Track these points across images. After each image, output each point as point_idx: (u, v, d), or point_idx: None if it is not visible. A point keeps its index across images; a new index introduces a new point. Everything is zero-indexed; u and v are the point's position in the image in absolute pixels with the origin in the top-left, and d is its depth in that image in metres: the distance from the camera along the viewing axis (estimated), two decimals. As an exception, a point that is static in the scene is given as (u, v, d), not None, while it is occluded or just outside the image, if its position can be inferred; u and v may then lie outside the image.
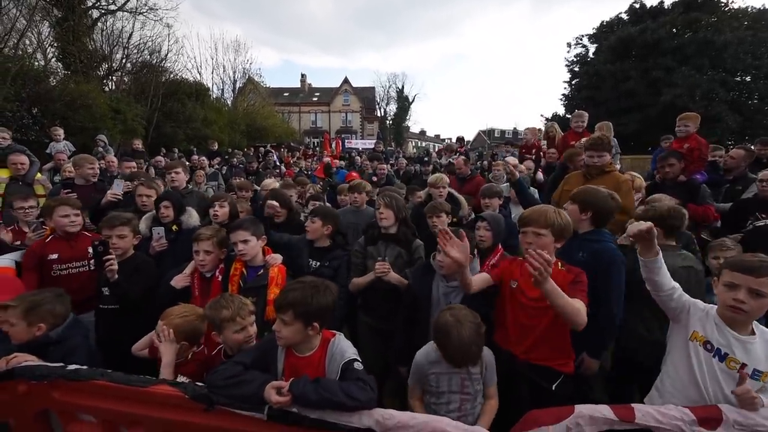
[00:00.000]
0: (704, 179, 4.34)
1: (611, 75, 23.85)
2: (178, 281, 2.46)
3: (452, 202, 3.90)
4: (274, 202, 3.00)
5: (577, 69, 27.82)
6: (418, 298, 2.32)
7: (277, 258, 2.49)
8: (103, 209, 3.44)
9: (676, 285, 1.70)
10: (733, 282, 1.50)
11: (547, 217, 1.93)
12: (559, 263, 1.99)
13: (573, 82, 28.09)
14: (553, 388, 1.91)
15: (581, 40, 27.79)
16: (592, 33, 27.18)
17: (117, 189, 3.55)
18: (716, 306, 1.63)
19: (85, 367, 1.65)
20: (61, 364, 1.67)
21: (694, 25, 22.42)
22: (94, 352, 1.92)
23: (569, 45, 28.40)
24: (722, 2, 22.66)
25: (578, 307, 1.73)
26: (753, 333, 1.53)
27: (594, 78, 25.34)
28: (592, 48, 27.21)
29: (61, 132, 7.40)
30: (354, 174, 6.27)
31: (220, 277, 2.44)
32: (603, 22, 26.68)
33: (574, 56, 28.07)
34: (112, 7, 16.62)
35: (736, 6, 22.61)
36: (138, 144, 8.82)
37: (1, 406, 1.75)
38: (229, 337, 1.85)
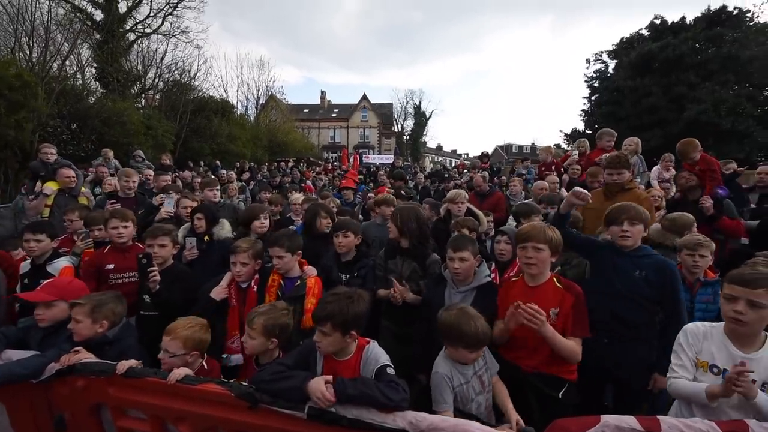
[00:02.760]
0: (726, 194, 4.29)
1: (632, 91, 23.57)
2: (218, 293, 2.53)
3: (472, 217, 3.98)
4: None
5: (596, 85, 27.63)
6: (432, 308, 2.39)
7: (312, 270, 2.63)
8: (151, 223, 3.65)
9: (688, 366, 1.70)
10: (732, 294, 1.56)
11: (545, 233, 2.06)
12: (555, 279, 2.10)
13: (593, 98, 27.87)
14: (560, 395, 1.96)
15: (601, 56, 27.68)
16: (612, 49, 27.06)
17: (169, 206, 3.82)
18: (721, 324, 1.67)
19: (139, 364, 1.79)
20: (117, 362, 1.82)
21: (717, 40, 22.03)
22: (144, 353, 2.06)
23: (588, 61, 28.32)
24: (746, 17, 22.25)
25: (575, 350, 1.95)
26: (762, 346, 1.56)
27: (614, 94, 25.09)
28: (612, 64, 27.04)
29: (111, 154, 7.76)
30: (384, 189, 6.45)
31: (255, 288, 2.56)
32: (623, 38, 26.53)
33: (594, 72, 27.91)
34: (148, 30, 17.75)
35: (761, 20, 22.17)
36: (166, 159, 9.22)
37: (59, 399, 1.92)
38: None
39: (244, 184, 8.30)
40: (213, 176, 7.81)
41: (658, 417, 1.34)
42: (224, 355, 2.35)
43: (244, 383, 1.65)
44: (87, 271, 2.91)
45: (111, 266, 2.91)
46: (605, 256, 2.39)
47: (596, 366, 2.18)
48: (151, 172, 5.81)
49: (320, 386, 1.49)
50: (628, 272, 2.27)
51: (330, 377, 1.53)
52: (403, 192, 6.01)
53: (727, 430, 1.28)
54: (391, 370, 1.64)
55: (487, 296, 2.29)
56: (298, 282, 2.52)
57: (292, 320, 2.07)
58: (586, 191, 2.43)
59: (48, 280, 2.28)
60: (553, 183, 5.54)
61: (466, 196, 4.26)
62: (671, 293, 2.21)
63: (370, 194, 6.16)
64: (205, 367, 2.03)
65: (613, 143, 5.73)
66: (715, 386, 1.52)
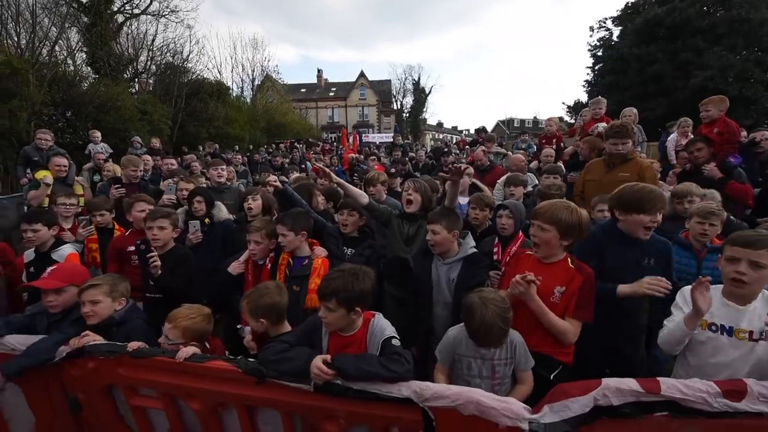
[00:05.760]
0: (738, 162, 4.21)
1: (636, 59, 22.90)
2: (234, 268, 2.68)
3: (476, 191, 3.97)
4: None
5: (600, 54, 26.83)
6: (419, 280, 2.46)
7: (321, 251, 2.66)
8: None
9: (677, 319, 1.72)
10: (734, 256, 1.59)
11: (555, 213, 1.91)
12: (569, 260, 2.00)
13: (596, 68, 27.13)
14: (551, 377, 1.89)
15: (605, 23, 26.74)
16: (616, 15, 26.14)
17: (170, 193, 3.83)
18: (720, 286, 1.70)
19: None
20: (126, 343, 1.86)
21: (726, 2, 21.19)
22: (151, 334, 2.10)
23: (592, 29, 27.39)
24: (758, -24, 21.32)
25: (566, 329, 1.87)
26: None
27: (618, 62, 24.38)
28: (616, 31, 26.13)
29: (98, 134, 7.88)
30: (379, 167, 6.44)
31: (269, 266, 2.63)
32: (628, 3, 25.56)
33: (597, 40, 27.04)
34: (136, 11, 17.21)
35: (773, -20, 21.24)
36: (156, 143, 9.13)
37: (72, 381, 1.97)
38: None
39: (246, 169, 8.25)
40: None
41: (658, 378, 1.37)
42: (239, 326, 2.43)
43: (251, 359, 1.68)
44: (111, 254, 3.13)
45: (132, 248, 3.02)
46: (613, 249, 2.17)
47: (599, 349, 2.18)
48: (149, 158, 5.78)
49: (318, 364, 1.52)
50: (639, 263, 2.14)
51: (328, 356, 1.56)
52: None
53: (725, 388, 1.31)
54: (396, 341, 1.67)
55: (472, 267, 2.34)
56: (306, 261, 2.55)
57: (279, 296, 2.05)
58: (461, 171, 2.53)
59: (53, 267, 2.29)
60: (547, 156, 5.57)
61: (470, 170, 4.22)
62: (670, 269, 2.20)
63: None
64: (208, 347, 2.07)
65: (600, 111, 5.59)
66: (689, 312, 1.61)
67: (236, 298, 2.57)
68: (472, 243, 2.48)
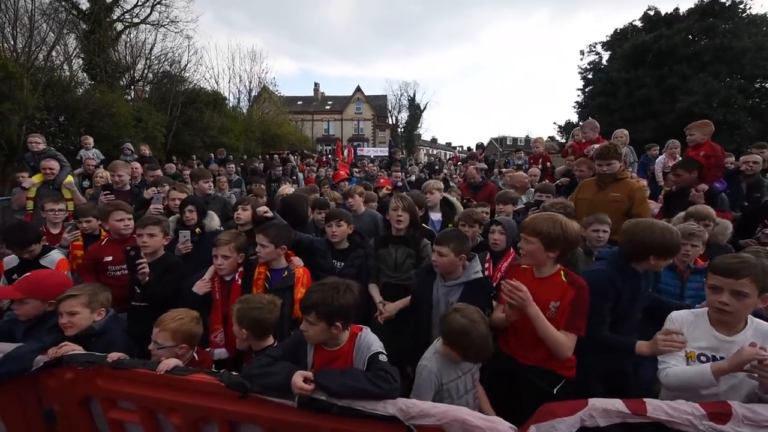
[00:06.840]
0: (723, 188, 4.30)
1: (625, 82, 23.67)
2: (200, 288, 2.52)
3: (447, 206, 4.01)
4: None
5: (590, 76, 27.70)
6: (420, 298, 2.41)
7: (299, 261, 2.61)
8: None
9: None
10: (717, 285, 1.53)
11: (536, 225, 1.92)
12: (562, 273, 1.97)
13: (586, 90, 27.96)
14: (555, 391, 1.90)
15: (594, 47, 27.73)
16: (605, 40, 27.07)
17: (158, 203, 3.79)
18: (706, 311, 1.66)
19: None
20: (105, 354, 1.80)
21: (710, 31, 22.15)
22: (131, 345, 2.05)
23: (582, 53, 28.36)
24: (740, 8, 22.36)
25: (562, 341, 1.82)
26: (744, 328, 1.56)
27: (608, 85, 25.16)
28: (605, 55, 27.11)
29: (90, 141, 7.82)
30: (384, 180, 6.52)
31: (239, 281, 2.53)
32: (617, 29, 26.59)
33: (588, 64, 28.00)
34: (136, 20, 17.38)
35: (754, 12, 22.30)
36: (146, 150, 8.98)
37: (48, 391, 1.90)
38: None
39: (240, 178, 8.22)
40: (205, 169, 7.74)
41: (644, 399, 1.36)
42: (208, 349, 2.33)
43: (234, 373, 1.64)
44: (86, 265, 2.95)
45: (109, 258, 2.90)
46: (626, 285, 2.09)
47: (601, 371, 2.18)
48: (137, 165, 5.74)
49: (298, 382, 1.48)
50: (644, 292, 2.17)
51: (309, 373, 1.52)
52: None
53: (711, 411, 1.31)
54: (383, 357, 1.64)
55: (474, 293, 2.23)
56: (285, 273, 2.49)
57: (270, 313, 2.01)
58: None
59: (24, 275, 2.22)
60: (533, 175, 5.76)
61: (440, 186, 4.29)
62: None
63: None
64: (196, 358, 2.02)
65: (595, 135, 5.65)
66: (721, 363, 1.47)
67: (202, 319, 2.48)
68: (478, 267, 2.36)
